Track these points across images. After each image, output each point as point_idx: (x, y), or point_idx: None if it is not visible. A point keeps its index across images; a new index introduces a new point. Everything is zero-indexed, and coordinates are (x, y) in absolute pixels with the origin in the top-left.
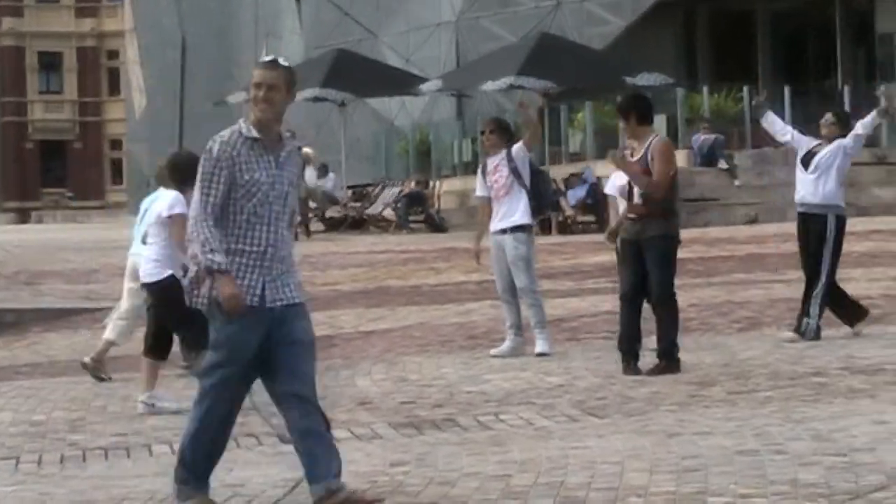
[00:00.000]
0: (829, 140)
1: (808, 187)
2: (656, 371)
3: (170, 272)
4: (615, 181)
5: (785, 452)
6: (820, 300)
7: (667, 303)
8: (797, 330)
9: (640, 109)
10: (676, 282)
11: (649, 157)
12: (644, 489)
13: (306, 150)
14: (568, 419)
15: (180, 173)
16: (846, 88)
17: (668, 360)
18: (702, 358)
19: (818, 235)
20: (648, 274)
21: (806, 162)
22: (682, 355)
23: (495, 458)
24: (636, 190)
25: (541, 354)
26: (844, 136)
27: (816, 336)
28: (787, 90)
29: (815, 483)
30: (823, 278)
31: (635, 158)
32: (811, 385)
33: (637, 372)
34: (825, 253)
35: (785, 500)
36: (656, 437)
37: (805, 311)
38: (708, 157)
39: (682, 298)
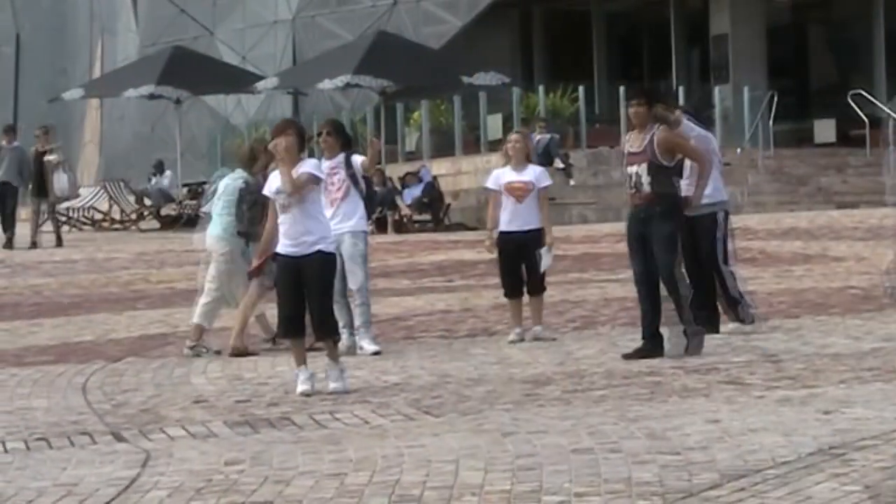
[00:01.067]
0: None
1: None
2: (688, 352)
3: None
4: (499, 177)
5: (619, 451)
6: (733, 285)
7: (672, 283)
8: (738, 319)
9: (656, 100)
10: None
11: (655, 147)
12: (479, 487)
13: (49, 157)
14: (404, 418)
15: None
16: (681, 89)
17: (689, 338)
18: (537, 357)
19: (707, 232)
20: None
21: None
22: (517, 354)
23: (331, 457)
24: (645, 178)
25: (376, 353)
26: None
27: (755, 319)
28: (622, 90)
29: (649, 481)
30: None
31: (638, 149)
32: (645, 384)
33: (655, 356)
34: (718, 247)
35: (619, 499)
36: (492, 436)
37: (732, 303)
38: (544, 157)
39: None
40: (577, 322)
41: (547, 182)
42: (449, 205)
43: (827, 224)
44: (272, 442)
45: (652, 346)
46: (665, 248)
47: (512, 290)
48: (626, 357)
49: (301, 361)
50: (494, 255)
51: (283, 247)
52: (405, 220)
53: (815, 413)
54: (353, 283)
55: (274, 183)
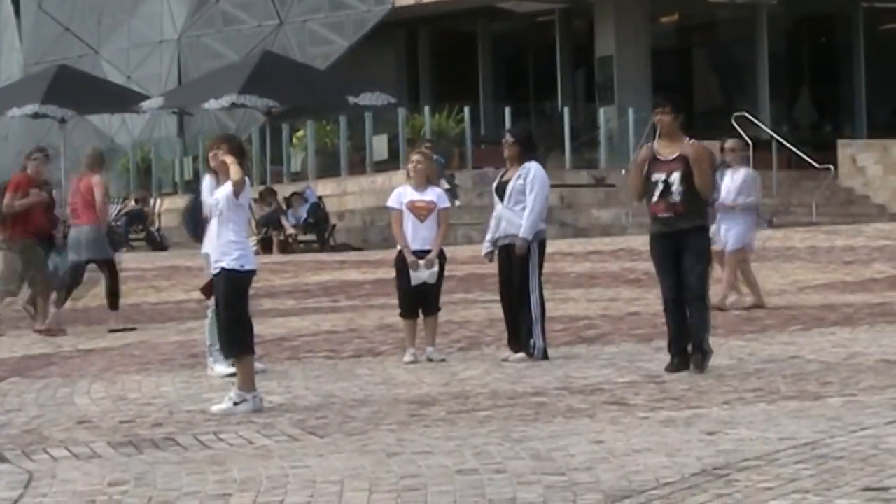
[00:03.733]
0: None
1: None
2: (698, 368)
3: None
4: (401, 196)
5: (504, 471)
6: (539, 319)
7: (703, 298)
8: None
9: (682, 108)
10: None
11: (691, 158)
12: None
13: None
14: (288, 438)
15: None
16: (566, 110)
17: (703, 355)
18: (422, 377)
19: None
20: (684, 270)
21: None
22: (402, 374)
23: (215, 478)
24: (676, 188)
25: (230, 375)
26: (529, 158)
27: (544, 355)
28: (507, 111)
29: (533, 502)
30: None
31: (670, 157)
32: (530, 405)
33: (684, 369)
34: (532, 272)
35: None
36: (376, 457)
37: (527, 332)
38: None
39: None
40: (461, 342)
41: (447, 203)
42: (334, 225)
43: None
44: (156, 462)
45: (680, 361)
46: (701, 260)
47: (410, 309)
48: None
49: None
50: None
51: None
52: (290, 240)
53: (698, 434)
54: None
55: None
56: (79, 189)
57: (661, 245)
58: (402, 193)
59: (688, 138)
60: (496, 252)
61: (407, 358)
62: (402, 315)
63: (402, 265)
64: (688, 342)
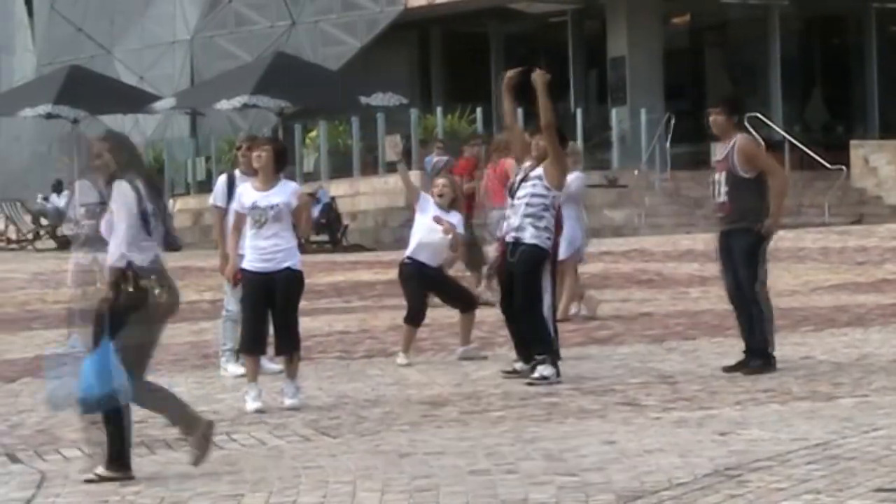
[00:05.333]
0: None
1: None
2: (753, 370)
3: None
4: (426, 202)
5: (517, 472)
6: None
7: (752, 298)
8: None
9: (738, 110)
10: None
11: (735, 157)
12: None
13: None
14: (301, 439)
15: None
16: (579, 111)
17: (764, 359)
18: (434, 378)
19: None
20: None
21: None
22: (414, 375)
23: (228, 478)
24: (722, 188)
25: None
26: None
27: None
28: (520, 112)
29: (546, 502)
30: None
31: (720, 157)
32: (543, 405)
33: (739, 369)
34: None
35: None
36: (388, 457)
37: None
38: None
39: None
40: (474, 343)
41: (461, 230)
42: (347, 226)
43: None
44: (168, 463)
45: (741, 361)
46: (743, 262)
47: (415, 317)
48: (727, 370)
49: (254, 377)
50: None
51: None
52: (303, 240)
53: (711, 434)
54: None
55: (249, 197)
56: (494, 173)
57: (718, 243)
58: (428, 201)
59: (735, 138)
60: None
61: (400, 360)
62: (405, 320)
63: (406, 275)
64: (748, 338)
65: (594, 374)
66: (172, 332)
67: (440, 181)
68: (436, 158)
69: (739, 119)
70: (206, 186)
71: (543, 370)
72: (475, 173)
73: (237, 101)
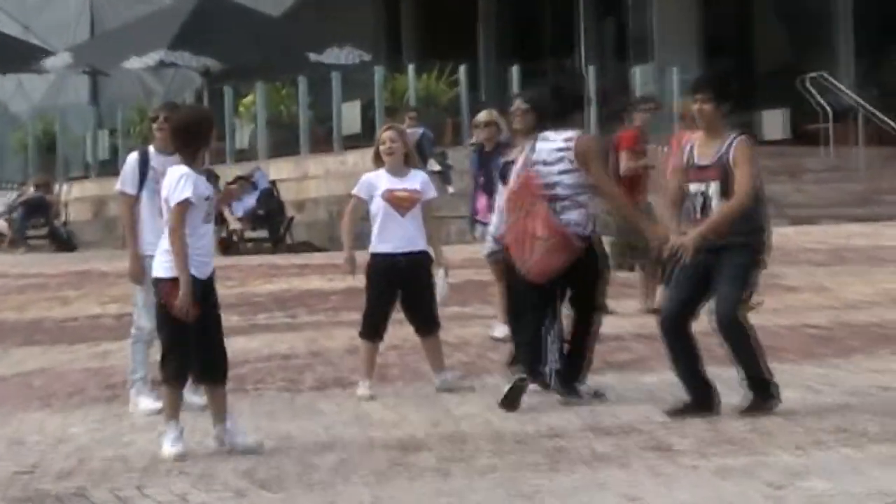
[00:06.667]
0: (525, 136)
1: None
2: (753, 408)
3: None
4: (374, 184)
5: None
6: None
7: (734, 324)
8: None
9: (726, 95)
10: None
11: (730, 160)
12: None
13: None
14: (233, 494)
15: None
16: (591, 69)
17: (763, 393)
18: (404, 414)
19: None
20: (712, 290)
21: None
22: (380, 410)
23: None
24: (717, 202)
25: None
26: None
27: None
28: (515, 71)
29: None
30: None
31: (708, 162)
32: (546, 450)
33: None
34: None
35: None
36: None
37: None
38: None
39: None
40: (456, 370)
41: (433, 193)
42: (292, 218)
43: (778, 244)
44: None
45: (696, 399)
46: (733, 282)
47: (374, 329)
48: (669, 414)
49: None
50: (354, 281)
51: None
52: (235, 237)
53: (762, 487)
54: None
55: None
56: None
57: (691, 258)
58: (374, 180)
59: (733, 135)
60: (500, 251)
61: (361, 391)
62: (362, 334)
63: (378, 274)
64: (696, 379)
65: (612, 409)
66: (68, 355)
67: (385, 134)
68: (407, 130)
69: (730, 108)
70: (111, 167)
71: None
72: (637, 147)
73: (150, 59)
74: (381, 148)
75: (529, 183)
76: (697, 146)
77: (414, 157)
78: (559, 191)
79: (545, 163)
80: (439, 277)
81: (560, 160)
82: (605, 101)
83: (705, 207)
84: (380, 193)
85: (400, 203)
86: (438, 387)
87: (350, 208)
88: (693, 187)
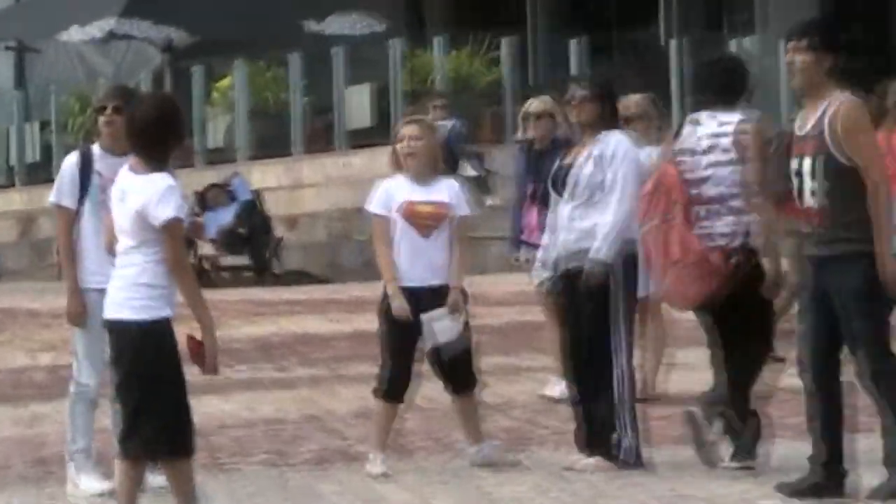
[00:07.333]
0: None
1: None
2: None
3: None
4: (392, 194)
5: None
6: (628, 402)
7: (885, 373)
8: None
9: (830, 43)
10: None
11: (826, 126)
12: None
13: None
14: None
15: None
16: (673, 43)
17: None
18: (428, 498)
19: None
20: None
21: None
22: (397, 493)
23: None
24: (809, 182)
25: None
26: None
27: (637, 460)
28: (573, 45)
29: None
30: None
31: (806, 131)
32: None
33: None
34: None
35: None
36: None
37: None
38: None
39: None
40: (500, 438)
41: (467, 209)
42: (281, 239)
43: None
44: None
45: (824, 478)
46: (859, 314)
47: (393, 386)
48: (782, 490)
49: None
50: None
51: None
52: (206, 264)
53: None
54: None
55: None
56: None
57: (806, 279)
58: (392, 189)
59: (838, 96)
60: (556, 283)
61: (376, 469)
62: (377, 393)
63: (392, 311)
64: (838, 453)
65: (701, 489)
66: None
67: (405, 129)
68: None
69: (836, 63)
70: (42, 172)
71: None
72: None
73: (96, 29)
74: (400, 147)
75: (667, 179)
76: (801, 114)
77: (441, 159)
78: (707, 190)
79: (693, 152)
80: (439, 314)
81: (713, 149)
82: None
83: (802, 192)
84: (397, 207)
85: (422, 221)
86: (473, 460)
87: (379, 233)
88: (793, 164)
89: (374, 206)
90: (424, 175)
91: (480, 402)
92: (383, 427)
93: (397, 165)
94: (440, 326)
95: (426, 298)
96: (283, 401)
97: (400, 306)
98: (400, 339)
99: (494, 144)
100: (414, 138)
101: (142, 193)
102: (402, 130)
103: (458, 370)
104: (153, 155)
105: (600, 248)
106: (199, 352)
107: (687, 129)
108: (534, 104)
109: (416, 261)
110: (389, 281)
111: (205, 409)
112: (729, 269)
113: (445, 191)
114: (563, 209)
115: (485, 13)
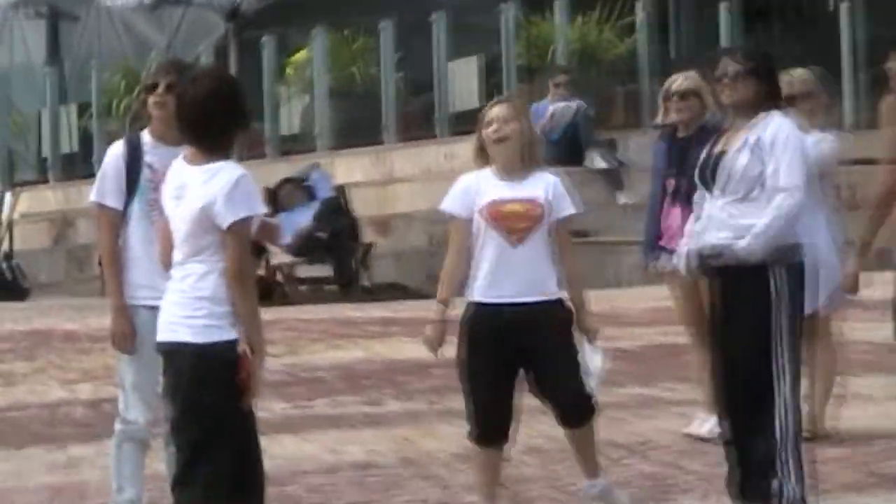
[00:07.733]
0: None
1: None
2: None
3: None
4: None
5: None
6: (792, 440)
7: None
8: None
9: None
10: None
11: None
12: None
13: None
14: None
15: None
16: (844, 7)
17: None
18: None
19: (745, 302)
20: None
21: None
22: None
23: None
24: None
25: None
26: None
27: None
28: (723, 10)
29: None
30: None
31: None
32: None
33: None
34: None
35: None
36: None
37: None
38: (564, 146)
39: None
40: (635, 487)
41: (570, 208)
42: (370, 246)
43: None
44: None
45: None
46: None
47: (488, 426)
48: None
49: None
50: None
51: None
52: (280, 276)
53: None
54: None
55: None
56: None
57: None
58: (475, 185)
59: None
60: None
61: None
62: (471, 436)
63: (478, 338)
64: None
65: None
66: (14, 464)
67: (493, 111)
68: (552, 107)
69: None
70: (80, 166)
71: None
72: None
73: None
74: (488, 132)
75: None
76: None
77: (536, 149)
78: None
79: None
80: (588, 351)
81: None
82: None
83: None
84: (479, 207)
85: (509, 223)
86: (585, 494)
87: (453, 238)
88: None
89: (449, 204)
90: (515, 166)
91: (610, 442)
92: (487, 474)
93: (482, 159)
94: (596, 359)
95: (517, 317)
96: (374, 441)
97: (433, 337)
98: (481, 366)
99: (629, 130)
100: (504, 120)
101: (205, 187)
102: (490, 112)
103: (567, 397)
104: (210, 144)
105: (747, 245)
106: (245, 375)
107: None
108: (677, 81)
109: (504, 273)
110: (441, 298)
111: (279, 450)
112: None
113: (540, 186)
114: (712, 207)
115: None
